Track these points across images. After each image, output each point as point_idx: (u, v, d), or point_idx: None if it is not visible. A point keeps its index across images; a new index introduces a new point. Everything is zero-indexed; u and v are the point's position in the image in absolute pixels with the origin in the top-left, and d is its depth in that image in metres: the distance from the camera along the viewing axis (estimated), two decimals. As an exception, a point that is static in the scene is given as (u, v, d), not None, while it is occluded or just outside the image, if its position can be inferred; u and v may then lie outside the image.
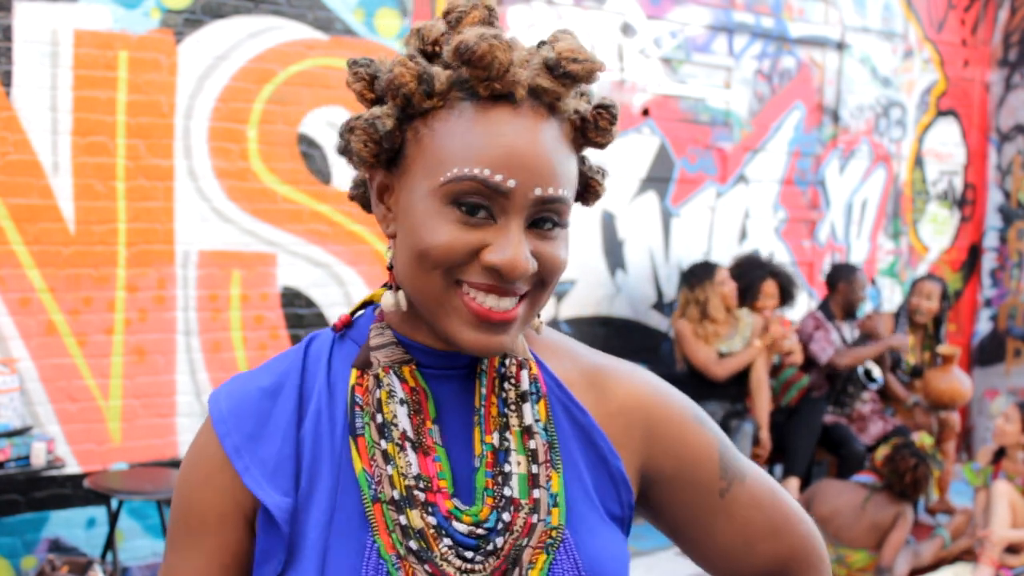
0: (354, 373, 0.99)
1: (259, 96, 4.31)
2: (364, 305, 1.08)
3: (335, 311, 4.56)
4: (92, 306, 4.02)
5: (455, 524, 0.95)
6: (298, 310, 4.48)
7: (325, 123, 4.47)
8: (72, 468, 4.02)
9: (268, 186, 4.37)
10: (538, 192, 0.91)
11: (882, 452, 4.60)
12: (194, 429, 4.26)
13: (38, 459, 3.62)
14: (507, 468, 0.97)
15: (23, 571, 3.94)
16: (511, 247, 0.90)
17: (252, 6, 4.27)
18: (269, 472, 0.97)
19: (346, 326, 1.05)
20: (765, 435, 5.13)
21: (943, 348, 5.79)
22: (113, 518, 3.77)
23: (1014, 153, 7.10)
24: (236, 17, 4.24)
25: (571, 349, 1.09)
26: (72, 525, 4.05)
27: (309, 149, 4.45)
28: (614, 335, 5.49)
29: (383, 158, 0.97)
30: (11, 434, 3.60)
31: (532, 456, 0.98)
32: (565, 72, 0.92)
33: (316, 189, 4.47)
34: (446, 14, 0.96)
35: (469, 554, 0.94)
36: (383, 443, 0.96)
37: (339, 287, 4.57)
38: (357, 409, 0.98)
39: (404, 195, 0.96)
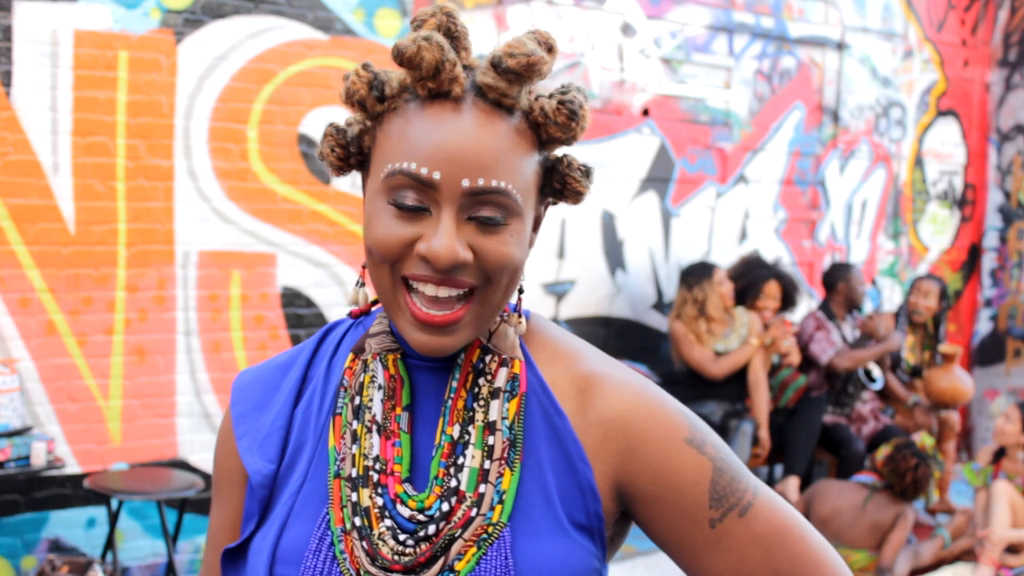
0: (350, 357, 1.06)
1: (259, 96, 4.31)
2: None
3: (335, 311, 4.56)
4: (92, 306, 4.02)
5: (399, 507, 0.98)
6: (298, 310, 4.48)
7: (325, 123, 4.45)
8: (72, 468, 4.02)
9: (268, 186, 4.37)
10: (465, 183, 0.93)
11: (883, 452, 4.59)
12: (194, 429, 4.26)
13: (38, 459, 3.62)
14: (461, 460, 0.99)
15: (23, 571, 3.94)
16: (439, 236, 0.94)
17: (252, 6, 4.27)
18: (260, 439, 1.06)
19: (363, 313, 1.11)
20: (764, 434, 5.13)
21: (944, 347, 5.79)
22: (113, 518, 3.77)
23: (1014, 153, 7.10)
24: (236, 17, 4.24)
25: (573, 352, 1.07)
26: (72, 525, 4.06)
27: (309, 149, 4.45)
28: (614, 335, 5.50)
29: (352, 162, 1.04)
30: (11, 434, 3.60)
31: (488, 452, 0.99)
32: (505, 68, 0.95)
33: (316, 189, 4.47)
34: (412, 21, 1.00)
35: (403, 537, 0.97)
36: (354, 424, 1.02)
37: (339, 287, 4.57)
38: (342, 390, 1.05)
39: (366, 195, 1.02)
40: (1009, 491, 4.65)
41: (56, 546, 4.02)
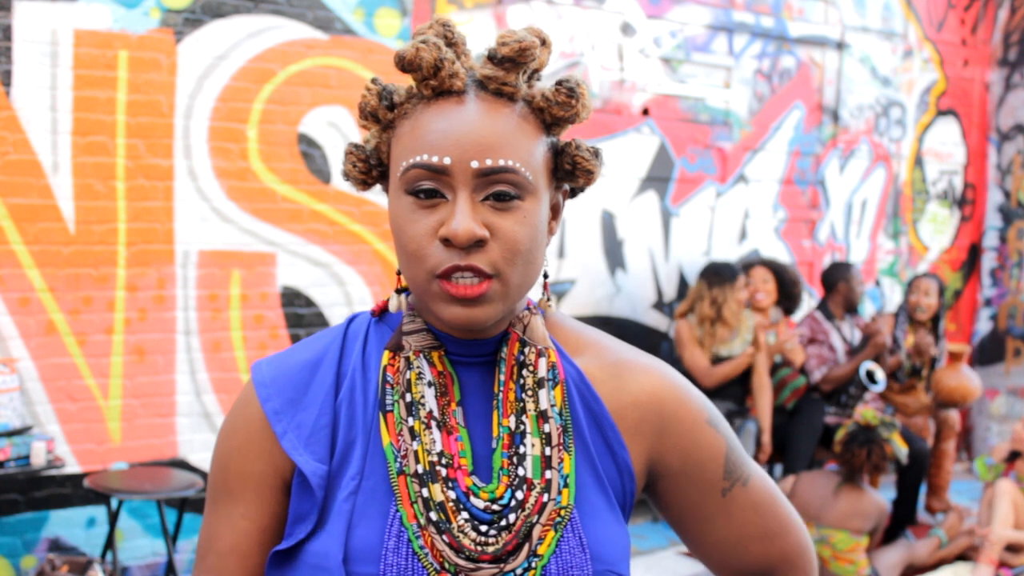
0: (386, 354, 1.07)
1: (259, 96, 4.31)
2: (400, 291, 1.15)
3: (335, 311, 4.56)
4: (92, 306, 4.02)
5: (473, 500, 1.02)
6: (298, 310, 4.48)
7: (325, 123, 4.47)
8: (72, 468, 4.02)
9: (268, 186, 4.37)
10: (475, 164, 0.99)
11: (837, 446, 4.56)
12: (194, 429, 4.26)
13: (38, 459, 3.62)
14: (522, 449, 1.05)
15: (23, 571, 3.94)
16: (457, 216, 0.98)
17: (252, 6, 4.27)
18: (305, 438, 1.06)
19: (383, 311, 1.14)
20: (767, 439, 5.10)
21: (953, 346, 5.77)
22: (113, 518, 3.77)
23: (1014, 153, 7.10)
24: (236, 17, 4.24)
25: (598, 342, 1.17)
26: (72, 525, 4.06)
27: (309, 149, 4.45)
28: (614, 335, 5.46)
29: (375, 174, 1.09)
30: (11, 434, 3.61)
31: (546, 439, 1.05)
32: (500, 57, 1.01)
33: (316, 189, 4.47)
34: (412, 36, 1.06)
35: (484, 528, 1.01)
36: (410, 420, 1.04)
37: (339, 287, 4.57)
38: (388, 387, 1.06)
39: (391, 201, 1.06)
40: (1013, 490, 4.64)
41: (56, 545, 4.02)
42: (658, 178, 5.62)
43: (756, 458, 5.15)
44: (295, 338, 4.46)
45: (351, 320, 1.14)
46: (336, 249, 4.54)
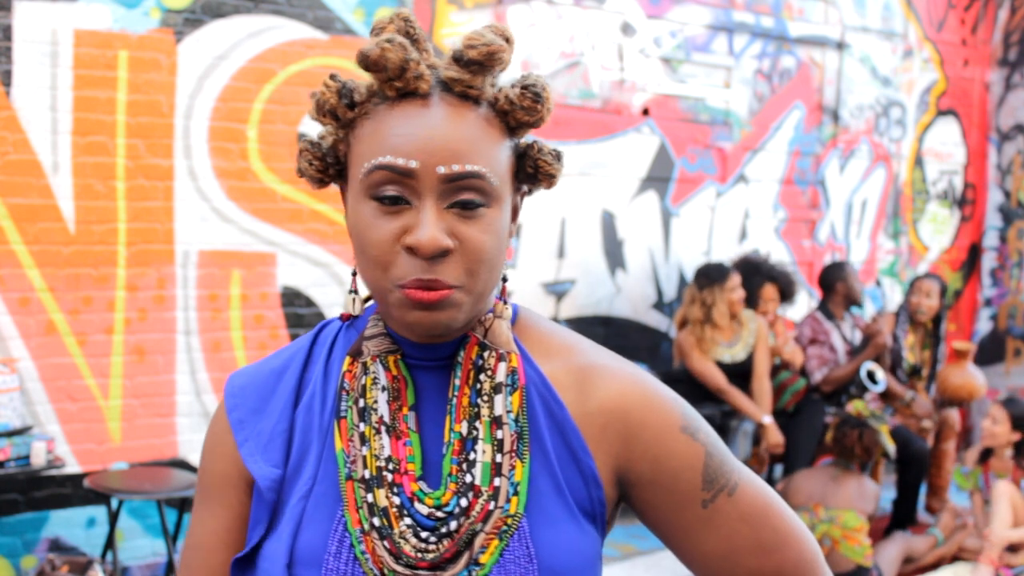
0: (347, 360, 1.07)
1: (259, 96, 4.31)
2: (371, 298, 1.14)
3: (335, 311, 4.56)
4: (92, 306, 4.03)
5: (417, 505, 1.00)
6: (298, 310, 4.48)
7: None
8: (72, 468, 4.02)
9: (268, 186, 4.37)
10: (441, 170, 0.96)
11: (829, 436, 4.62)
12: (194, 428, 4.27)
13: (38, 459, 3.62)
14: (472, 456, 1.02)
15: (23, 571, 3.94)
16: (423, 226, 0.96)
17: (252, 6, 4.27)
18: (263, 444, 1.07)
19: (353, 316, 1.12)
20: (776, 436, 5.09)
21: (958, 344, 5.78)
22: (113, 518, 3.77)
23: (1014, 153, 7.10)
24: (236, 17, 4.24)
25: (568, 346, 1.11)
26: (72, 525, 4.06)
27: (309, 149, 4.44)
28: (614, 335, 5.49)
29: (331, 173, 1.07)
30: (11, 434, 3.61)
31: (498, 445, 1.02)
32: (467, 60, 0.98)
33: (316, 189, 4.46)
34: (372, 30, 1.04)
35: (425, 534, 0.99)
36: (362, 426, 1.04)
37: (339, 287, 4.57)
38: (344, 393, 1.05)
39: (348, 203, 1.05)
40: (1010, 490, 4.64)
41: (56, 545, 4.02)
42: (658, 178, 5.62)
43: (755, 456, 5.14)
44: (295, 338, 4.46)
45: (321, 327, 1.14)
46: (336, 249, 4.54)
